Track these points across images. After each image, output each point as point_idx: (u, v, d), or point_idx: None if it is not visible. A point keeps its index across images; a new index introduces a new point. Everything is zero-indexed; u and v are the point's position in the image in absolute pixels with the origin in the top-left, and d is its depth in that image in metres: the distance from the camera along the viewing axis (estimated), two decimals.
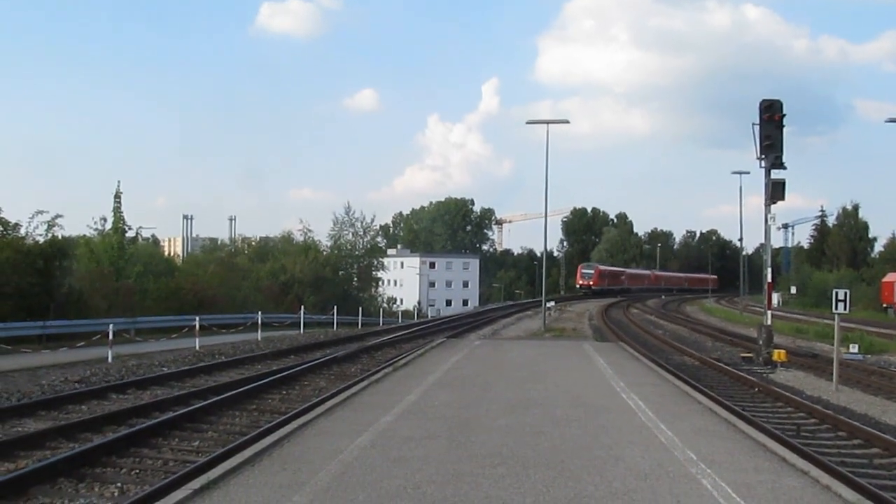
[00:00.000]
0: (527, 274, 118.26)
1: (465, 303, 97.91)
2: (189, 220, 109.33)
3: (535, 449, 7.75)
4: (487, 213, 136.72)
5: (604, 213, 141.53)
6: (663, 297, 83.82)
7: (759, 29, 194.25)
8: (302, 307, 32.60)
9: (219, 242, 70.06)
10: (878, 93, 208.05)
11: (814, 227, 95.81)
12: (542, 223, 36.52)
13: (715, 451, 7.78)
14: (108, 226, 31.82)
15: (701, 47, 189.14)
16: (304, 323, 30.68)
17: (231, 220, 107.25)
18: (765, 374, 17.65)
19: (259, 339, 24.46)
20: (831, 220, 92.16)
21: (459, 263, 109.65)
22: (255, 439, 8.35)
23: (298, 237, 53.81)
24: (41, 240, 24.60)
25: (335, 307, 35.06)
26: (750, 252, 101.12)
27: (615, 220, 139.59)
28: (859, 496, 6.24)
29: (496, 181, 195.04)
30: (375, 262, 58.24)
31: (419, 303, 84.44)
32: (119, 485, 7.22)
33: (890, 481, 8.01)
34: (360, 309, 39.17)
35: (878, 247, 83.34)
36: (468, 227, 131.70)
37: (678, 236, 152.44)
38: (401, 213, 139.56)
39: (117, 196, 31.96)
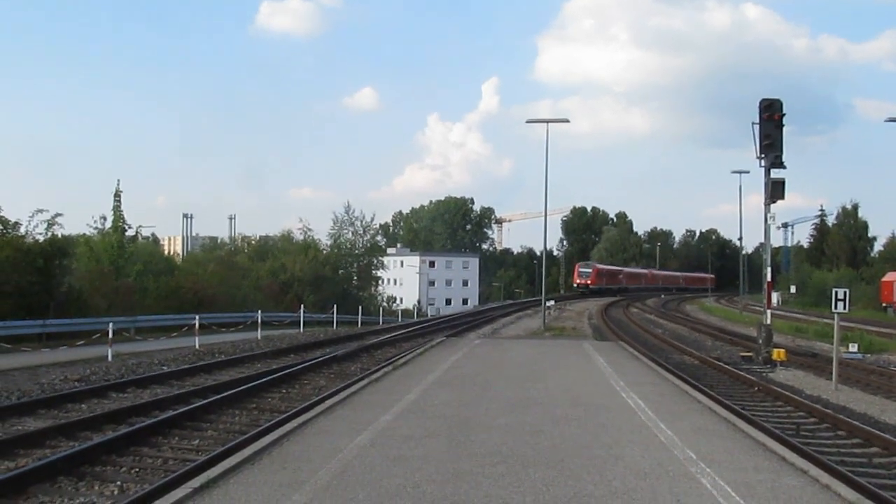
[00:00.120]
0: (526, 273, 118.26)
1: (464, 302, 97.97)
2: (189, 219, 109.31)
3: (534, 448, 7.75)
4: (487, 213, 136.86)
5: (603, 212, 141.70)
6: (662, 296, 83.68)
7: (759, 28, 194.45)
8: (302, 306, 32.62)
9: (219, 241, 70.13)
10: (877, 92, 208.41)
11: (813, 227, 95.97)
12: (541, 222, 36.56)
13: (714, 450, 7.78)
14: (108, 225, 31.87)
15: (701, 47, 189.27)
16: (304, 322, 30.69)
17: (231, 218, 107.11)
18: (764, 374, 17.66)
19: (259, 337, 24.47)
20: (831, 220, 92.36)
21: (459, 262, 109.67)
22: (254, 438, 8.35)
23: (298, 236, 53.92)
24: (41, 238, 24.64)
25: (335, 306, 35.07)
26: (750, 251, 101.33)
27: (615, 220, 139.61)
28: (859, 495, 6.24)
29: (496, 180, 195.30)
30: (375, 261, 58.27)
31: (419, 302, 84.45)
32: (119, 483, 7.23)
33: (889, 480, 8.02)
34: (360, 308, 39.17)
35: (878, 246, 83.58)
36: (468, 227, 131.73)
37: (678, 235, 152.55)
38: (400, 213, 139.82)
39: (117, 195, 32.00)
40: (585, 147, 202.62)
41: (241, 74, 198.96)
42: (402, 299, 79.38)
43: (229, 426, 10.26)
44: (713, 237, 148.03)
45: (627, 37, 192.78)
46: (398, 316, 53.51)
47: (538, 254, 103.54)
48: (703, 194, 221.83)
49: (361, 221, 57.32)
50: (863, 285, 61.37)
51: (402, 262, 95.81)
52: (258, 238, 59.57)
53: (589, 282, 78.68)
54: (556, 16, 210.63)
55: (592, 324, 36.37)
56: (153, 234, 65.29)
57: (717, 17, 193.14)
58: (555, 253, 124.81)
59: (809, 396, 14.16)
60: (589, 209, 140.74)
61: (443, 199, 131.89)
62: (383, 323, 39.66)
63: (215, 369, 16.28)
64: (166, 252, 63.50)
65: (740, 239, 76.66)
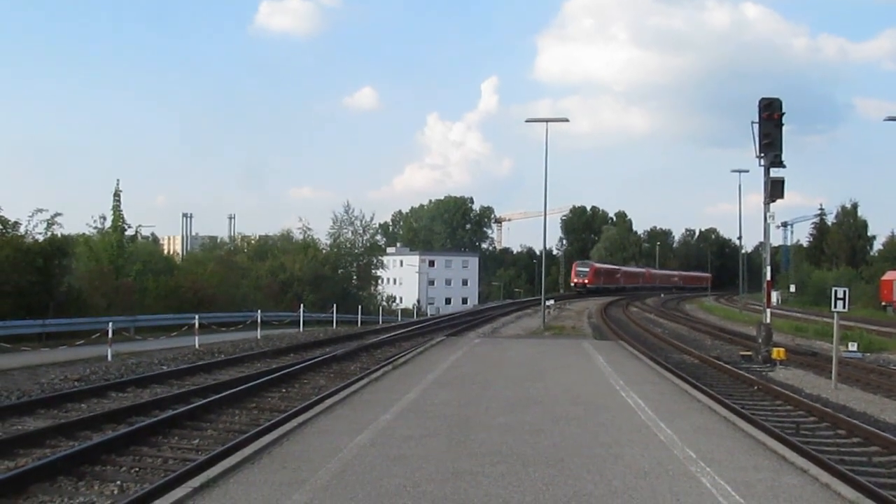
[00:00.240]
0: (526, 272, 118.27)
1: (464, 301, 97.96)
2: (188, 219, 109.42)
3: (534, 447, 7.75)
4: (487, 212, 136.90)
5: (603, 211, 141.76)
6: (662, 295, 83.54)
7: (759, 27, 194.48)
8: (301, 305, 32.61)
9: (218, 241, 70.07)
10: (877, 91, 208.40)
11: (813, 226, 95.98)
12: (541, 221, 36.59)
13: (714, 449, 7.78)
14: (108, 224, 31.84)
15: (700, 46, 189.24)
16: (304, 321, 30.68)
17: (230, 218, 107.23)
18: (764, 373, 17.66)
19: (258, 337, 24.48)
20: (830, 219, 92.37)
21: (459, 262, 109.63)
22: (254, 437, 8.35)
23: (298, 235, 53.96)
24: (41, 238, 24.67)
25: (335, 305, 35.07)
26: (749, 250, 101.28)
27: (614, 219, 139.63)
28: (858, 494, 6.24)
29: (495, 179, 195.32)
30: (375, 261, 58.27)
31: (418, 301, 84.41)
32: (119, 483, 7.23)
33: (889, 479, 8.02)
34: (360, 307, 39.16)
35: (878, 245, 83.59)
36: (467, 226, 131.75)
37: (677, 235, 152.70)
38: (400, 212, 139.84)
39: (117, 194, 31.97)
40: (585, 146, 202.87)
41: (240, 74, 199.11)
42: (401, 299, 79.39)
43: (229, 426, 10.26)
44: (713, 236, 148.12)
45: (627, 36, 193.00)
46: (398, 315, 53.50)
47: (538, 253, 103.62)
48: (703, 193, 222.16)
49: (361, 221, 57.40)
50: (862, 284, 61.41)
51: (401, 262, 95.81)
52: (258, 237, 59.63)
53: (586, 281, 78.11)
54: (556, 15, 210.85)
55: (592, 323, 36.38)
56: (153, 234, 65.36)
57: (716, 16, 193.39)
58: (554, 252, 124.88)
59: (809, 395, 14.16)
60: (588, 208, 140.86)
61: (442, 198, 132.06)
62: (383, 322, 39.65)
63: (215, 369, 16.28)
64: (166, 252, 63.44)
65: (740, 238, 76.44)
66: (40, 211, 24.79)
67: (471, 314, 43.68)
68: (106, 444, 8.34)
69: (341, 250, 55.16)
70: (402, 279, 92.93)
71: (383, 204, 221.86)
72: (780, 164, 19.94)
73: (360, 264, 56.08)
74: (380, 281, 62.25)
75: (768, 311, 21.17)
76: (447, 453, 7.44)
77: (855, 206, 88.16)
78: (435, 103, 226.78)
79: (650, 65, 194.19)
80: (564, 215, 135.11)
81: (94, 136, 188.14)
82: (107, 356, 17.49)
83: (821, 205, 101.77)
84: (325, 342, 23.23)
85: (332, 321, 34.05)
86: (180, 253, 72.86)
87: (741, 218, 64.68)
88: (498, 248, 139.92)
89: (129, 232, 32.90)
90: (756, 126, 20.06)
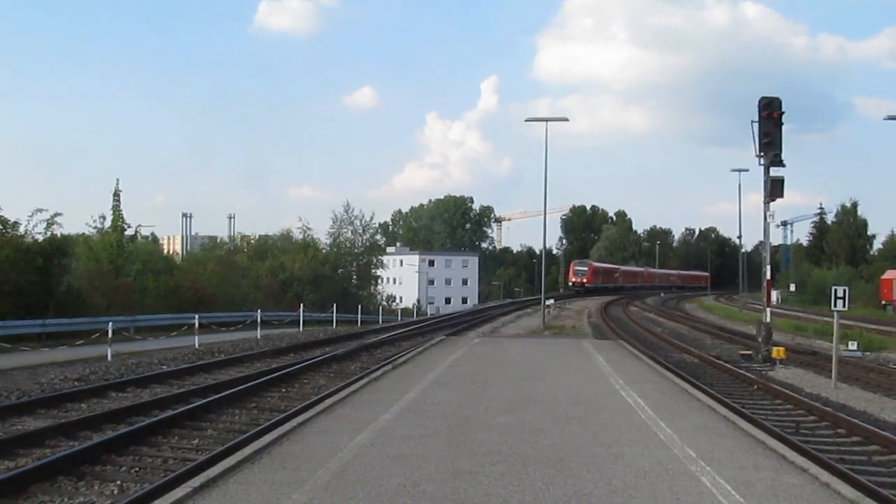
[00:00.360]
0: (526, 272, 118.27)
1: (464, 301, 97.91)
2: (188, 219, 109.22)
3: (534, 447, 7.75)
4: (486, 211, 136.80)
5: (603, 210, 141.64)
6: (662, 294, 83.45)
7: (758, 26, 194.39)
8: (301, 305, 32.60)
9: (218, 241, 69.99)
10: (877, 90, 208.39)
11: (813, 225, 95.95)
12: (541, 221, 36.55)
13: (714, 448, 7.78)
14: (108, 224, 31.83)
15: (700, 45, 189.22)
16: (304, 321, 30.68)
17: (230, 218, 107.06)
18: (764, 372, 17.66)
19: (258, 336, 24.48)
20: (830, 218, 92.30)
21: (459, 261, 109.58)
22: (254, 437, 8.35)
23: (298, 235, 53.95)
24: (40, 238, 24.66)
25: (334, 305, 35.06)
26: (749, 249, 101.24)
27: (614, 218, 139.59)
28: (858, 493, 6.24)
29: (495, 179, 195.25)
30: (375, 260, 58.28)
31: (418, 301, 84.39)
32: (119, 483, 7.23)
33: (889, 478, 8.02)
34: (360, 307, 39.16)
35: (877, 244, 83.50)
36: (467, 225, 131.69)
37: (677, 234, 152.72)
38: (400, 211, 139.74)
39: (116, 194, 31.95)
40: (585, 145, 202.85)
41: (240, 74, 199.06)
42: (401, 298, 79.34)
43: (229, 425, 10.26)
44: (712, 235, 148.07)
45: (626, 35, 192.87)
46: (397, 315, 53.50)
47: (537, 252, 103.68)
48: (703, 192, 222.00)
49: (361, 220, 57.43)
50: (862, 283, 61.41)
51: (401, 261, 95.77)
52: (257, 237, 59.65)
53: (584, 280, 77.21)
54: (556, 14, 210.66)
55: (592, 322, 36.39)
56: (152, 234, 65.14)
57: (716, 15, 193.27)
58: (554, 252, 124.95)
59: (809, 394, 14.16)
60: (588, 208, 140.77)
61: (442, 197, 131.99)
62: (383, 322, 39.66)
63: (215, 368, 16.28)
64: (166, 251, 63.38)
65: (739, 237, 76.58)
66: (40, 211, 24.83)
67: (470, 314, 43.69)
68: (106, 444, 8.34)
69: (341, 250, 55.17)
70: (401, 279, 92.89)
71: (383, 203, 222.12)
72: (780, 163, 19.94)
73: (360, 264, 56.09)
74: (379, 280, 62.24)
75: (768, 310, 21.17)
76: (447, 453, 7.44)
77: (855, 205, 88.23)
78: (434, 102, 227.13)
79: (650, 64, 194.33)
80: (564, 215, 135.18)
81: (93, 135, 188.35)
82: (107, 356, 17.49)
83: (820, 204, 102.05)
84: (324, 342, 23.23)
85: (332, 321, 34.05)
86: (180, 253, 72.81)
87: (741, 217, 65.38)
88: (498, 247, 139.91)
89: (129, 232, 32.93)
90: (756, 125, 20.06)
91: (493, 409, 10.06)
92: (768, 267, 21.18)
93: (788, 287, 69.48)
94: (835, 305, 15.78)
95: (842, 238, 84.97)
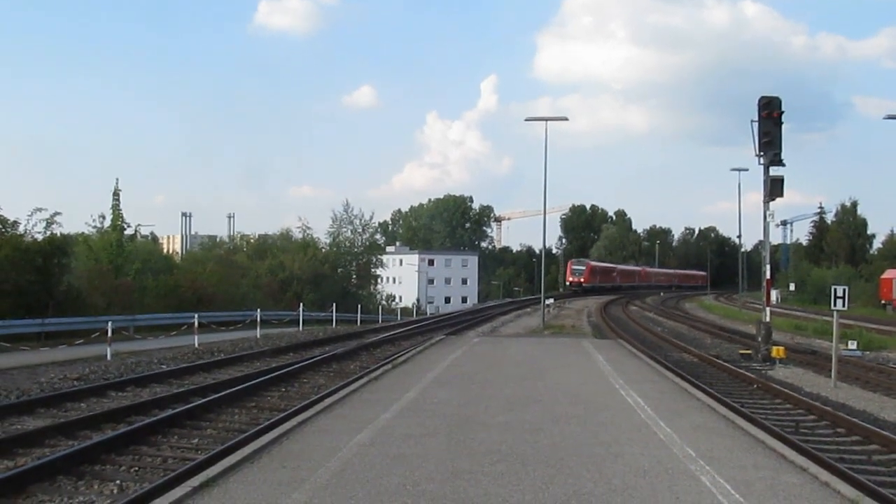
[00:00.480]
0: (526, 271, 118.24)
1: (463, 300, 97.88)
2: (188, 218, 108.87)
3: (534, 446, 7.75)
4: (486, 211, 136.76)
5: (602, 210, 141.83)
6: (662, 294, 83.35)
7: (758, 26, 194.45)
8: (301, 304, 32.59)
9: (217, 240, 69.85)
10: (876, 89, 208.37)
11: (812, 224, 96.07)
12: (540, 220, 36.50)
13: (714, 447, 7.79)
14: (107, 223, 31.75)
15: (699, 44, 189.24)
16: (303, 320, 30.67)
17: (230, 217, 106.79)
18: (763, 371, 17.67)
19: (258, 336, 24.47)
20: (830, 217, 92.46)
21: (458, 261, 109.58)
22: (254, 437, 8.35)
23: (297, 234, 53.90)
24: (40, 237, 24.64)
25: (334, 304, 35.05)
26: (749, 249, 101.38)
27: (614, 217, 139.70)
28: (858, 492, 6.24)
29: (495, 178, 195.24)
30: (374, 260, 58.23)
31: (418, 300, 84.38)
32: (118, 482, 7.22)
33: (889, 478, 8.03)
34: (360, 306, 39.15)
35: (877, 243, 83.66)
36: (467, 225, 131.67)
37: (677, 233, 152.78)
38: (399, 211, 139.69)
39: (116, 194, 31.87)
40: (584, 145, 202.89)
41: (239, 73, 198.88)
42: (401, 298, 79.33)
43: (229, 425, 10.26)
44: (712, 235, 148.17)
45: (626, 34, 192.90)
46: (397, 314, 53.49)
47: (537, 252, 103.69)
48: (702, 192, 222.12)
49: (360, 220, 57.37)
50: (862, 283, 61.44)
51: (401, 261, 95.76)
52: (257, 236, 59.60)
53: (582, 280, 76.13)
54: (556, 13, 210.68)
55: (591, 322, 36.39)
56: (152, 233, 65.00)
57: (715, 14, 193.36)
58: (554, 251, 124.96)
59: (808, 394, 14.17)
60: (588, 207, 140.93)
61: (442, 197, 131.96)
62: (382, 321, 39.65)
63: (214, 368, 16.28)
64: (165, 251, 63.35)
65: (739, 236, 76.65)
66: (39, 210, 24.80)
67: (470, 313, 43.68)
68: (105, 444, 8.33)
69: (341, 249, 55.14)
70: (401, 278, 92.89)
71: (383, 203, 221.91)
72: (780, 163, 19.94)
73: (360, 263, 56.05)
74: (379, 280, 62.21)
75: (768, 309, 21.18)
76: (447, 452, 7.44)
77: (854, 205, 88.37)
78: (434, 102, 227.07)
79: (649, 63, 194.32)
80: (564, 214, 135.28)
81: (93, 135, 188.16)
82: (106, 355, 17.48)
83: (820, 203, 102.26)
84: (324, 341, 23.22)
85: (332, 320, 34.04)
86: (180, 252, 72.77)
87: (741, 216, 65.71)
88: (497, 246, 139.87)
89: (129, 231, 32.86)
90: (755, 124, 20.06)
91: (493, 408, 10.06)
92: (768, 266, 21.18)
93: (788, 286, 69.53)
94: (834, 305, 15.79)
95: (841, 237, 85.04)
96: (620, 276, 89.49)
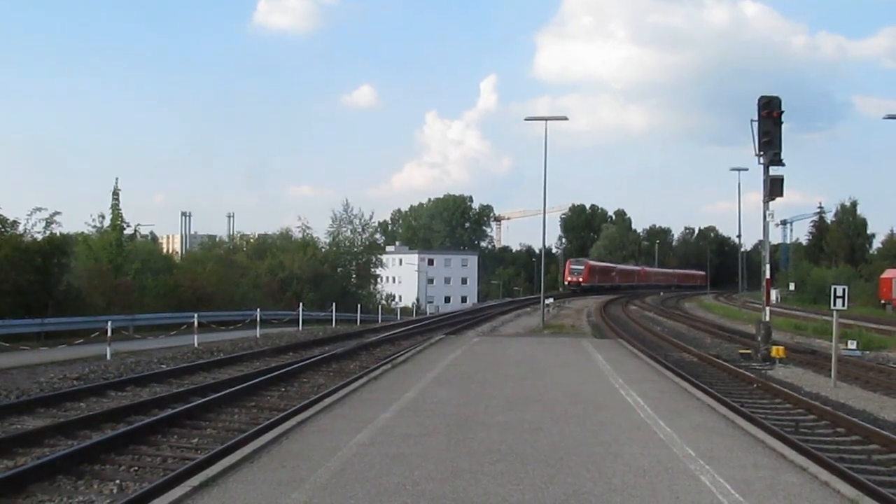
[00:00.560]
0: (525, 271, 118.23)
1: (463, 300, 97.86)
2: (187, 218, 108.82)
3: (533, 445, 7.75)
4: (486, 210, 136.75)
5: (602, 209, 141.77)
6: (662, 293, 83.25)
7: (758, 25, 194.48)
8: (300, 304, 32.59)
9: (217, 239, 69.82)
10: (876, 89, 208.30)
11: (812, 224, 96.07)
12: (540, 220, 36.48)
13: (714, 447, 7.79)
14: (107, 223, 31.74)
15: (699, 44, 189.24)
16: (303, 320, 30.66)
17: (230, 217, 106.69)
18: (763, 371, 17.67)
19: (258, 335, 24.47)
20: (830, 217, 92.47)
21: (458, 260, 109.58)
22: (253, 436, 8.35)
23: (297, 234, 53.88)
24: (39, 237, 24.61)
25: (334, 304, 35.04)
26: (748, 248, 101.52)
27: (613, 217, 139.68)
28: (858, 492, 6.24)
29: (495, 178, 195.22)
30: (374, 259, 58.21)
31: (418, 300, 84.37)
32: (118, 482, 7.23)
33: (888, 477, 8.03)
34: (359, 306, 39.15)
35: (877, 243, 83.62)
36: (467, 224, 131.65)
37: (676, 233, 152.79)
38: (399, 210, 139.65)
39: (115, 193, 31.86)
40: (584, 144, 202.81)
41: (239, 72, 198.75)
42: (400, 297, 79.27)
43: (228, 424, 10.26)
44: (712, 234, 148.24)
45: (626, 34, 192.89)
46: (397, 314, 53.48)
47: (537, 251, 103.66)
48: (702, 191, 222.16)
49: (360, 219, 57.33)
50: (861, 282, 61.45)
51: (400, 260, 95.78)
52: (257, 236, 59.57)
53: (581, 279, 75.04)
54: (555, 13, 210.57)
55: (591, 321, 36.39)
56: (152, 233, 64.93)
57: (715, 14, 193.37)
58: (554, 251, 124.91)
59: (808, 393, 14.17)
60: (588, 207, 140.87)
61: (441, 196, 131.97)
62: (382, 321, 39.65)
63: (214, 367, 16.28)
64: (165, 250, 63.36)
65: (739, 236, 76.80)
66: (39, 210, 24.78)
67: (470, 313, 43.67)
68: (105, 444, 8.33)
69: (340, 249, 55.12)
70: (401, 278, 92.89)
71: (382, 202, 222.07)
72: (780, 162, 19.94)
73: (360, 263, 56.04)
74: (379, 279, 62.20)
75: (767, 309, 21.19)
76: (446, 452, 7.44)
77: (854, 204, 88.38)
78: (434, 101, 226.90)
79: (649, 63, 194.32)
80: (564, 214, 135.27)
81: (93, 134, 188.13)
82: (106, 355, 17.47)
83: (820, 203, 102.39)
84: (324, 341, 23.22)
85: (332, 320, 34.03)
86: (179, 252, 72.76)
87: (740, 216, 65.97)
88: (497, 246, 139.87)
89: (128, 231, 32.84)
90: (755, 124, 20.07)
91: (493, 407, 10.06)
92: (767, 266, 21.19)
93: (788, 286, 69.57)
94: (834, 304, 15.79)
95: (841, 237, 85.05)
96: (619, 275, 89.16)
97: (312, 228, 54.14)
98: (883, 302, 52.77)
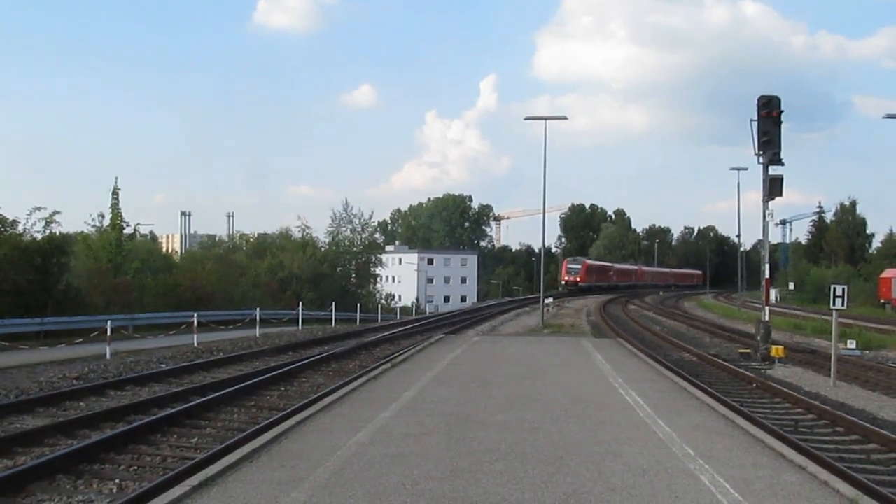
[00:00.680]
0: (525, 270, 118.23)
1: (463, 299, 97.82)
2: (187, 217, 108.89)
3: (533, 445, 7.75)
4: (485, 210, 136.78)
5: (602, 209, 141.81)
6: (661, 293, 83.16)
7: (757, 25, 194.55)
8: (300, 303, 32.58)
9: (217, 239, 69.90)
10: (876, 89, 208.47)
11: (812, 223, 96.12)
12: (540, 219, 36.55)
13: (713, 446, 7.79)
14: (106, 222, 31.73)
15: (699, 43, 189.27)
16: (303, 319, 30.66)
17: (229, 216, 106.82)
18: (763, 370, 17.68)
19: (257, 335, 24.46)
20: (829, 216, 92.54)
21: (457, 260, 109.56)
22: (253, 436, 8.34)
23: (297, 233, 53.86)
24: (39, 237, 24.62)
25: (333, 303, 35.04)
26: (748, 248, 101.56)
27: (613, 217, 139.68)
28: (857, 491, 6.24)
29: (494, 177, 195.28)
30: (373, 259, 58.21)
31: (417, 299, 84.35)
32: (117, 481, 7.23)
33: (888, 476, 8.04)
34: (359, 305, 39.15)
35: (876, 243, 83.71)
36: (466, 224, 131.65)
37: (676, 232, 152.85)
38: (399, 210, 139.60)
39: (115, 193, 31.85)
40: (584, 144, 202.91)
41: (238, 72, 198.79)
42: (400, 297, 79.32)
43: (228, 424, 10.26)
44: (711, 234, 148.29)
45: (626, 34, 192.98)
46: (396, 313, 53.48)
47: (536, 251, 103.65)
48: (702, 191, 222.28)
49: (360, 219, 57.33)
50: (861, 282, 61.48)
51: (400, 260, 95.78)
52: (256, 235, 59.60)
53: (578, 279, 73.53)
54: (555, 12, 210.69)
55: (591, 321, 36.39)
56: (151, 232, 64.82)
57: (715, 13, 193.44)
58: (553, 250, 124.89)
59: (808, 393, 14.17)
60: (587, 206, 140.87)
61: (441, 196, 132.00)
62: (382, 320, 39.64)
63: (214, 367, 16.27)
64: (164, 250, 63.40)
65: (738, 236, 76.65)
66: (39, 209, 24.77)
67: (469, 312, 43.67)
68: (105, 443, 8.33)
69: (340, 248, 55.12)
70: (400, 277, 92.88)
71: (382, 202, 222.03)
72: (779, 162, 19.93)
73: (359, 262, 56.04)
74: (378, 279, 62.21)
75: (767, 308, 21.19)
76: (446, 451, 7.44)
77: (854, 204, 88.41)
78: (433, 101, 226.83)
79: (649, 62, 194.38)
80: (563, 213, 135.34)
81: (92, 134, 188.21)
82: (105, 354, 17.47)
83: (819, 202, 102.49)
84: (323, 340, 23.22)
85: (331, 319, 34.03)
86: (179, 251, 72.76)
87: (740, 216, 65.89)
88: (497, 246, 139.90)
89: (128, 230, 32.80)
90: (755, 124, 20.05)
91: (492, 407, 10.06)
92: (767, 265, 21.19)
93: (787, 286, 69.57)
94: (833, 304, 15.79)
95: (841, 237, 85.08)
96: (617, 275, 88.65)
97: (312, 228, 54.19)
98: (882, 301, 52.80)
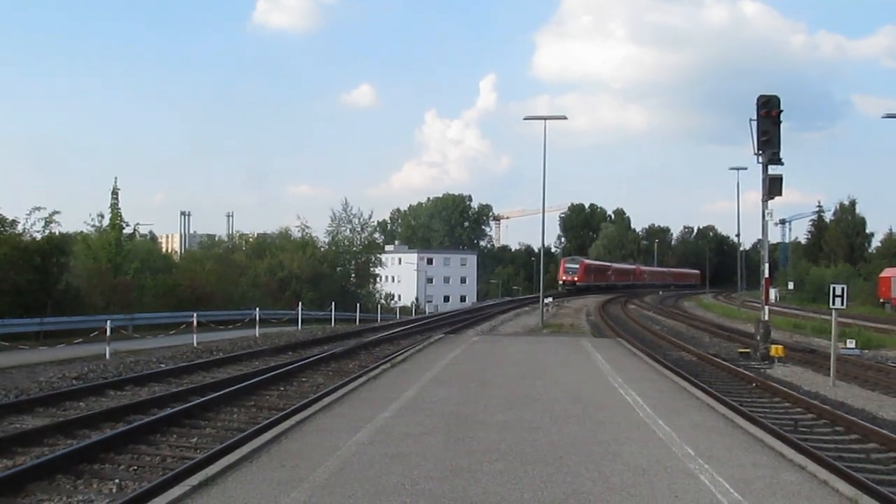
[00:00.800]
0: (524, 270, 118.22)
1: (462, 299, 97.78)
2: (187, 217, 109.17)
3: (533, 445, 7.75)
4: (485, 209, 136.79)
5: (601, 208, 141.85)
6: (661, 292, 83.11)
7: (757, 24, 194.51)
8: (300, 303, 32.59)
9: (216, 239, 69.91)
10: (875, 88, 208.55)
11: (811, 223, 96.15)
12: (539, 219, 36.48)
13: (713, 446, 7.79)
14: (106, 222, 31.74)
15: (698, 43, 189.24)
16: (302, 319, 30.67)
17: (229, 216, 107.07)
18: (762, 370, 17.68)
19: (257, 335, 24.46)
20: (829, 216, 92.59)
21: (457, 259, 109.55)
22: (253, 436, 8.34)
23: (296, 233, 53.88)
24: (39, 236, 24.64)
25: (333, 303, 35.04)
26: (747, 247, 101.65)
27: (613, 216, 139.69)
28: (857, 491, 6.24)
29: (494, 177, 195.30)
30: (373, 259, 58.21)
31: (417, 299, 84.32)
32: (117, 481, 7.23)
33: (887, 476, 8.04)
34: (358, 305, 39.15)
35: (876, 242, 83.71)
36: (466, 224, 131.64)
37: (676, 232, 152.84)
38: (398, 209, 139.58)
39: (115, 192, 31.86)
40: (583, 144, 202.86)
41: (238, 72, 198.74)
42: (400, 296, 79.31)
43: (227, 424, 10.26)
44: (711, 234, 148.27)
45: (625, 33, 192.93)
46: (396, 313, 53.47)
47: (536, 251, 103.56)
48: (701, 191, 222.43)
49: (359, 218, 57.34)
50: (860, 281, 61.52)
51: (399, 260, 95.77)
52: (256, 235, 59.60)
53: (576, 278, 72.84)
54: (555, 12, 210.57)
55: (590, 321, 36.40)
56: (151, 232, 64.86)
57: (714, 13, 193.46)
58: (553, 250, 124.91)
59: (807, 392, 14.18)
60: (587, 206, 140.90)
61: (441, 196, 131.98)
62: (381, 320, 39.64)
63: (213, 367, 16.27)
64: (164, 250, 63.39)
65: (738, 235, 76.27)
66: (38, 209, 24.78)
67: (469, 312, 43.67)
68: (104, 443, 8.33)
69: (339, 248, 55.12)
70: (400, 277, 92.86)
71: (381, 201, 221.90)
72: (779, 162, 19.94)
73: (359, 262, 56.04)
74: (378, 279, 62.21)
75: (766, 308, 21.19)
76: (445, 451, 7.44)
77: (853, 203, 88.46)
78: (433, 100, 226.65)
79: (648, 62, 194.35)
80: (563, 213, 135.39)
81: (92, 134, 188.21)
82: (105, 354, 17.48)
83: (819, 202, 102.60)
84: (323, 340, 23.22)
85: (331, 319, 34.02)
86: (178, 251, 72.76)
87: (739, 215, 65.32)
88: (496, 245, 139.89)
89: (128, 230, 32.83)
90: (754, 123, 20.06)
91: (492, 407, 10.06)
92: (766, 265, 21.20)
93: (787, 285, 69.58)
94: (833, 303, 15.79)
95: (840, 236, 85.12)
96: (615, 274, 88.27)
97: (312, 228, 54.24)
98: (882, 301, 52.82)
